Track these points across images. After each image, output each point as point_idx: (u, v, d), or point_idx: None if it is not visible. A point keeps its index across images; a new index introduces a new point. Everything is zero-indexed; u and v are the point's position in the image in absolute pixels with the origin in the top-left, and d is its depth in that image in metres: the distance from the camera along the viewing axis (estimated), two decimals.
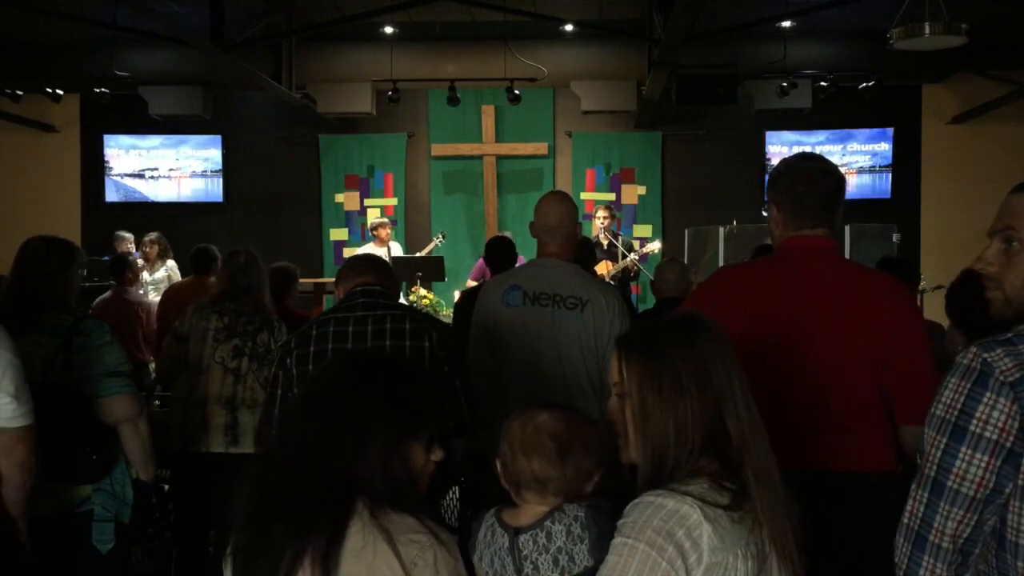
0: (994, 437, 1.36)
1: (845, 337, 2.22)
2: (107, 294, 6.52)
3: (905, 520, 1.46)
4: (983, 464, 1.37)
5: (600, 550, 1.50)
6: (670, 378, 1.51)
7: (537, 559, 1.56)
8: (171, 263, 8.08)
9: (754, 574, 1.43)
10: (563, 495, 1.64)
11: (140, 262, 8.11)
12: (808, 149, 10.23)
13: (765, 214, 2.45)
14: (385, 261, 2.63)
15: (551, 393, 2.90)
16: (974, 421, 1.38)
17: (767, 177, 10.21)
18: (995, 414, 1.37)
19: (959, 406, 1.40)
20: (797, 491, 1.56)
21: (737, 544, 1.42)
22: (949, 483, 1.40)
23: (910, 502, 1.46)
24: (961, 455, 1.39)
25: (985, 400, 1.37)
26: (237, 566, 1.54)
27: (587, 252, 5.65)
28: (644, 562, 1.37)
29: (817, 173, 2.37)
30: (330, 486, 1.48)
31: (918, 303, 7.07)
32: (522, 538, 1.59)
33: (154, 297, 7.66)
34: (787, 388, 2.18)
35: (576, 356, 3.00)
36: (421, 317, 2.49)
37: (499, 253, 5.13)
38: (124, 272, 6.42)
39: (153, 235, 8.10)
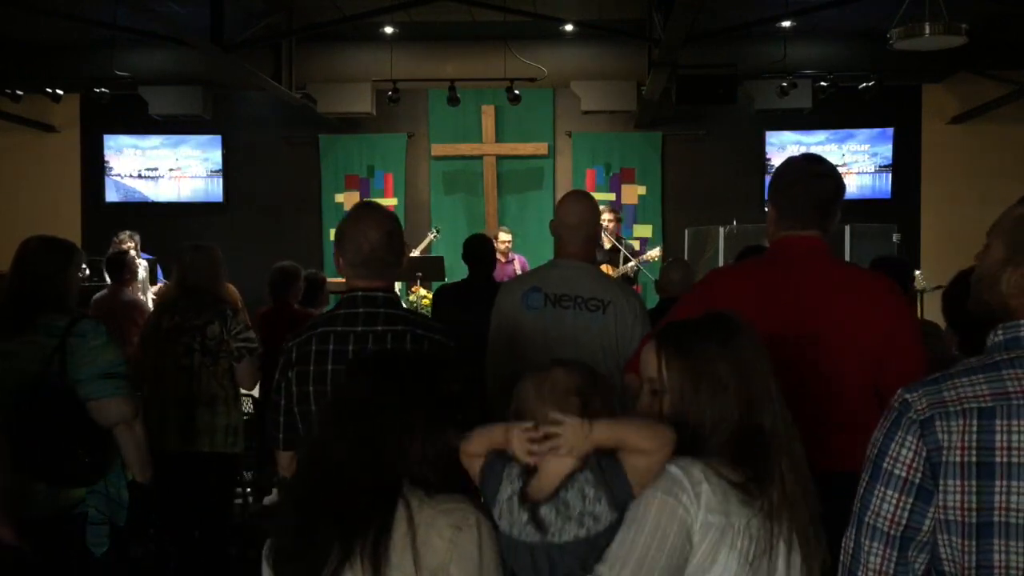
0: (903, 475, 1.41)
1: (840, 336, 2.23)
2: (104, 292, 6.50)
3: (841, 557, 1.51)
4: (894, 501, 1.41)
5: (621, 500, 1.56)
6: (710, 377, 1.60)
7: (562, 525, 1.59)
8: (144, 262, 8.08)
9: (750, 557, 1.50)
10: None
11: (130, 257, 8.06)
12: (808, 149, 10.24)
13: (767, 211, 2.47)
14: (394, 248, 2.44)
15: None
16: (887, 459, 1.43)
17: (767, 178, 10.24)
18: (904, 451, 1.41)
19: (878, 445, 1.45)
20: None
21: (738, 518, 1.51)
22: (867, 519, 1.44)
23: (844, 539, 1.50)
24: (876, 492, 1.43)
25: (897, 438, 1.42)
26: (278, 566, 1.61)
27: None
28: (662, 508, 1.50)
29: (816, 176, 2.38)
30: (375, 487, 1.55)
31: (917, 303, 7.07)
32: (543, 510, 1.61)
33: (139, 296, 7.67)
34: (782, 387, 2.19)
35: (598, 358, 2.93)
36: (422, 334, 2.37)
37: (476, 252, 5.08)
38: (123, 273, 6.41)
39: (127, 233, 8.06)
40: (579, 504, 1.58)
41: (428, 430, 1.60)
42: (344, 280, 2.48)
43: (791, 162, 2.49)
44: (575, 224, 3.11)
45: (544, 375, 1.70)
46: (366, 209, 2.50)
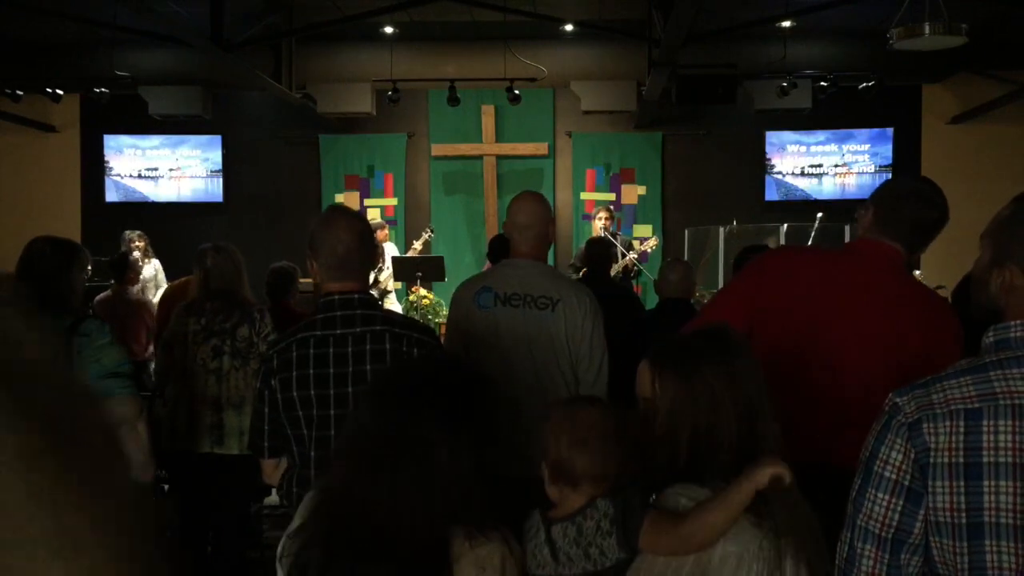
0: (893, 476, 1.42)
1: (873, 337, 2.27)
2: (107, 293, 6.52)
3: (836, 560, 1.52)
4: (884, 503, 1.42)
5: (629, 544, 1.56)
6: (703, 395, 1.60)
7: (569, 551, 1.60)
8: (156, 262, 8.08)
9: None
10: (615, 485, 1.66)
11: (135, 256, 8.06)
12: (808, 149, 10.25)
13: (857, 215, 2.50)
14: (367, 250, 2.50)
15: (525, 393, 2.89)
16: (878, 462, 1.44)
17: (768, 177, 10.23)
18: (893, 454, 1.42)
19: (870, 448, 1.47)
20: (814, 484, 1.63)
21: (752, 542, 1.52)
22: (859, 521, 1.45)
23: (839, 542, 1.51)
24: (868, 495, 1.45)
25: (887, 441, 1.44)
26: None
27: (603, 253, 5.63)
28: None
29: (928, 199, 2.46)
30: (429, 531, 1.48)
31: None
32: (554, 529, 1.63)
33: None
34: (813, 376, 2.23)
35: (549, 356, 3.00)
36: (400, 333, 2.39)
37: (503, 250, 5.11)
38: (126, 272, 6.43)
39: (136, 232, 8.08)
40: (591, 534, 1.59)
41: (474, 453, 1.51)
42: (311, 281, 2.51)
43: (907, 178, 2.57)
44: (525, 224, 3.14)
45: (569, 415, 1.70)
46: (337, 213, 2.55)
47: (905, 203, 2.42)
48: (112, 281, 6.58)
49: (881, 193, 2.50)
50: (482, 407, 1.59)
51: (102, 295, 6.54)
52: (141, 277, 7.83)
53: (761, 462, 1.52)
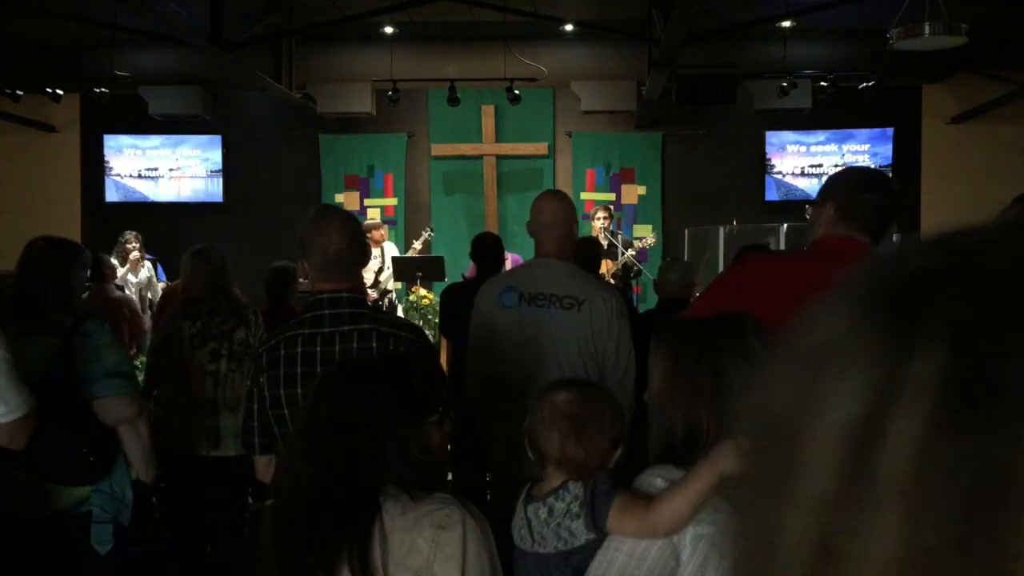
0: None
1: None
2: (86, 294, 6.46)
3: None
4: None
5: (596, 526, 1.59)
6: (685, 380, 1.60)
7: (542, 531, 1.64)
8: (148, 264, 8.10)
9: None
10: (580, 471, 1.69)
11: (135, 257, 8.04)
12: (808, 149, 10.25)
13: (809, 209, 2.47)
14: (357, 249, 2.50)
15: None
16: None
17: (767, 177, 10.22)
18: None
19: None
20: None
21: (726, 526, 1.49)
22: None
23: None
24: None
25: None
26: None
27: (590, 251, 5.65)
28: None
29: (883, 187, 2.44)
30: (351, 501, 1.54)
31: None
32: (530, 508, 1.69)
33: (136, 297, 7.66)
34: None
35: (574, 356, 2.98)
36: (387, 332, 2.39)
37: (485, 251, 5.10)
38: (103, 270, 6.37)
39: (132, 233, 8.08)
40: (561, 515, 1.63)
41: (398, 433, 1.57)
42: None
43: (858, 168, 2.54)
44: (548, 223, 3.13)
45: (551, 396, 1.76)
46: (327, 213, 2.55)
47: (864, 194, 2.38)
48: (90, 283, 6.54)
49: (836, 187, 2.44)
50: (431, 397, 1.64)
51: (83, 296, 6.49)
52: (136, 279, 7.84)
53: (720, 446, 1.49)
